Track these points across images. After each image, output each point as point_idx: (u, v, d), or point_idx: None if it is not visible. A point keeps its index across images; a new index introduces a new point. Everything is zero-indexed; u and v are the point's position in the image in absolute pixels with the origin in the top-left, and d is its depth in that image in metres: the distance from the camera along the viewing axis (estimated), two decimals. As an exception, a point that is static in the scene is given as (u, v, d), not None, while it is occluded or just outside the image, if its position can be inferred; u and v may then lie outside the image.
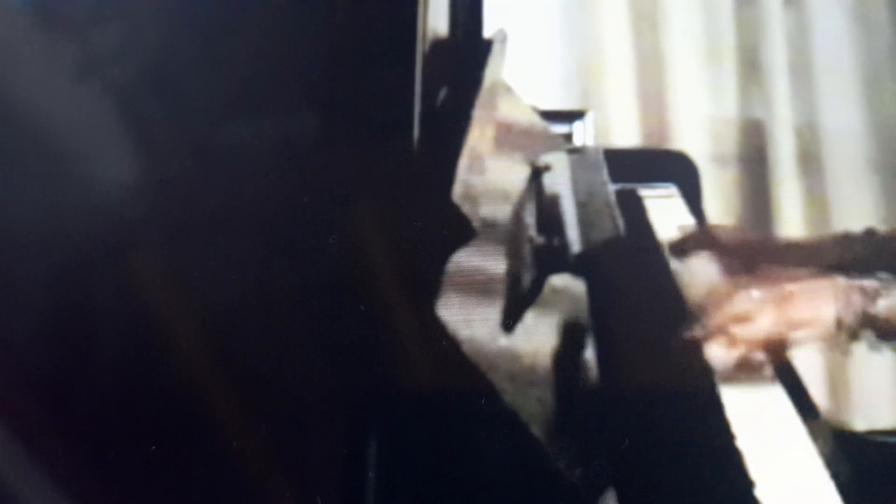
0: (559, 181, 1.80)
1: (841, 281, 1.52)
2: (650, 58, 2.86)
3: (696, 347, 1.53)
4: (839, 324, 1.50)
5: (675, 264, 1.84)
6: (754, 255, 1.78)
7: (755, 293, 1.53)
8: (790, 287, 1.54)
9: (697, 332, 1.52)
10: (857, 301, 1.50)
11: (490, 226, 1.35)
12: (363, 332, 1.15)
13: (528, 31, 2.73)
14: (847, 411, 2.76)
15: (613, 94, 2.84)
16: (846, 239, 1.77)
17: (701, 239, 1.81)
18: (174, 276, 1.17)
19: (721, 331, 1.50)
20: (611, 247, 1.71)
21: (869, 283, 1.51)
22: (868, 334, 1.50)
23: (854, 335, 1.50)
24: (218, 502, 1.17)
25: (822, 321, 1.51)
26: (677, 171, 2.34)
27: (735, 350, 1.49)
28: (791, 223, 2.82)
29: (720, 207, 2.81)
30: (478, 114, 1.46)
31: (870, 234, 1.77)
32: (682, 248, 1.79)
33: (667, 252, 1.87)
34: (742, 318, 1.52)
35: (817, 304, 1.51)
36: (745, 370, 1.52)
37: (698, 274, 1.79)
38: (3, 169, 1.16)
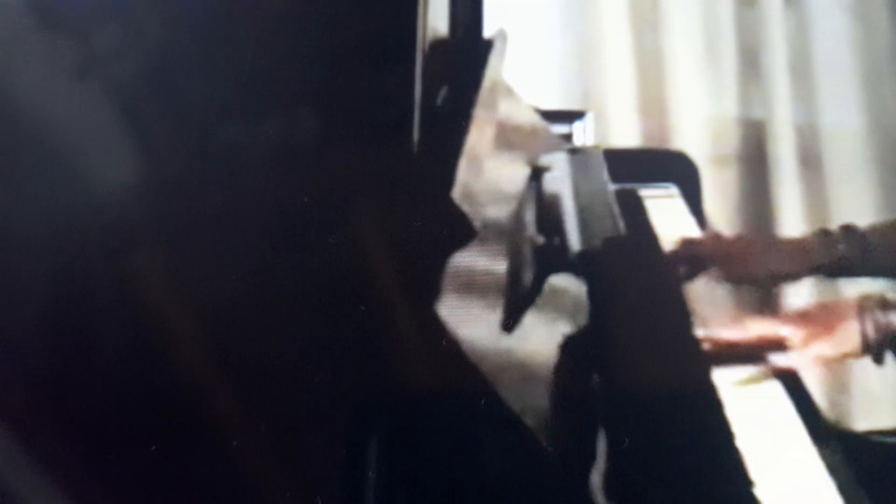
0: (559, 181, 1.80)
1: (859, 300, 1.53)
2: (650, 58, 2.86)
3: (697, 348, 1.54)
4: (864, 342, 1.52)
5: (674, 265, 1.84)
6: (739, 257, 1.79)
7: (780, 321, 1.56)
8: (814, 311, 1.56)
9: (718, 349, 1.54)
10: (880, 316, 1.52)
11: (490, 226, 1.35)
12: (363, 332, 1.15)
13: (528, 31, 2.73)
14: (847, 411, 2.76)
15: (613, 94, 2.84)
16: (826, 237, 1.78)
17: (689, 247, 1.81)
18: (174, 275, 1.17)
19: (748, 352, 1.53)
20: (611, 247, 1.71)
21: (888, 295, 1.52)
22: (889, 348, 1.51)
23: (880, 353, 1.52)
24: (218, 502, 1.17)
25: (848, 342, 1.52)
26: (677, 171, 2.34)
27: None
28: (791, 223, 2.82)
29: (720, 207, 2.81)
30: (478, 114, 1.46)
31: (848, 230, 1.77)
32: (677, 259, 1.79)
33: (667, 252, 1.87)
34: (771, 344, 1.54)
35: (842, 325, 1.53)
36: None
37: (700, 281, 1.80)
38: (3, 169, 1.16)
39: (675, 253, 1.83)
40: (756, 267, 1.79)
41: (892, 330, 1.52)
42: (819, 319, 1.56)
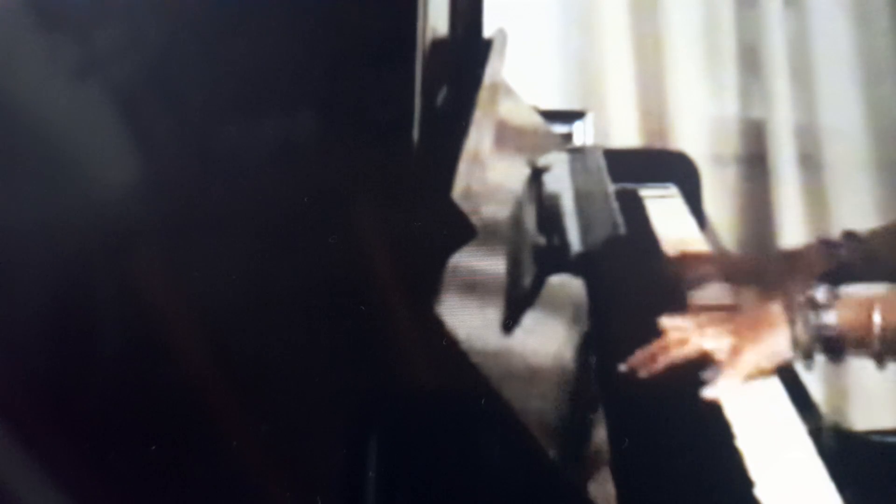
0: (559, 181, 1.80)
1: (791, 298, 1.49)
2: (650, 58, 2.86)
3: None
4: (794, 346, 1.48)
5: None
6: (740, 274, 1.77)
7: (711, 328, 1.50)
8: (741, 326, 1.50)
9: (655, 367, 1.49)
10: (811, 317, 1.47)
11: (490, 226, 1.35)
12: (363, 332, 1.15)
13: (528, 31, 2.73)
14: (847, 411, 2.76)
15: (613, 94, 2.84)
16: (827, 245, 1.76)
17: (690, 263, 1.79)
18: (174, 275, 1.17)
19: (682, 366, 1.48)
20: (611, 247, 1.71)
21: (818, 295, 1.48)
22: (821, 350, 1.47)
23: (809, 353, 1.47)
24: (218, 502, 1.17)
25: (779, 348, 1.48)
26: (677, 171, 2.34)
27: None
28: (791, 223, 2.82)
29: (720, 207, 2.81)
30: (478, 114, 1.46)
31: (849, 237, 1.76)
32: (673, 271, 1.76)
33: (666, 253, 1.87)
34: (701, 356, 1.49)
35: (771, 330, 1.48)
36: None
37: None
38: (3, 169, 1.16)
39: (677, 271, 1.79)
40: (759, 283, 1.76)
41: (822, 332, 1.47)
42: (745, 326, 1.50)
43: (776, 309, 1.49)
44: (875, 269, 1.73)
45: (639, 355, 1.48)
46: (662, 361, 1.47)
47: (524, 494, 1.15)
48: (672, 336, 1.49)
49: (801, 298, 1.47)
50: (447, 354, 1.12)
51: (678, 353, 1.48)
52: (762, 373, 1.48)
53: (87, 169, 1.18)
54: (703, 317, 1.55)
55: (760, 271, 1.80)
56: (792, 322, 1.47)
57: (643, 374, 1.46)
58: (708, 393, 1.43)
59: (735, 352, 1.47)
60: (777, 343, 1.47)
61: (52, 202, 1.17)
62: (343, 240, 1.16)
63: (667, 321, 1.52)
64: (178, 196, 1.17)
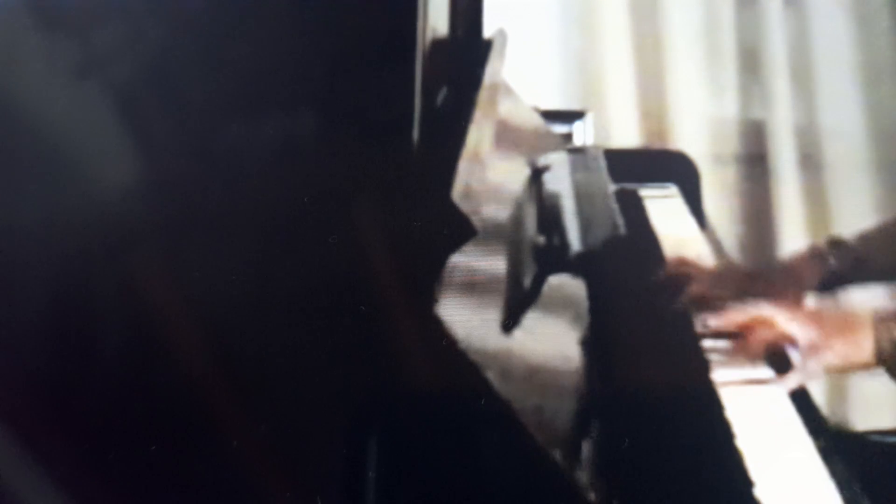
0: (559, 181, 1.80)
1: (877, 311, 1.51)
2: (650, 58, 2.86)
3: (697, 347, 1.53)
4: (879, 356, 1.50)
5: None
6: (733, 286, 1.77)
7: (797, 331, 1.53)
8: (828, 324, 1.53)
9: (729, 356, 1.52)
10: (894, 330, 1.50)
11: (490, 226, 1.35)
12: (363, 332, 1.15)
13: (528, 31, 2.73)
14: (847, 411, 2.76)
15: (613, 94, 2.84)
16: (815, 255, 1.76)
17: (679, 280, 1.78)
18: (174, 275, 1.17)
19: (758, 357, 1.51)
20: (611, 247, 1.70)
21: None
22: None
23: (893, 366, 1.50)
24: (218, 502, 1.17)
25: (861, 357, 1.50)
26: (677, 171, 2.34)
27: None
28: (791, 223, 2.82)
29: (720, 207, 2.81)
30: (478, 114, 1.46)
31: (836, 245, 1.76)
32: (665, 290, 1.76)
33: (665, 254, 1.87)
34: (779, 340, 1.52)
35: (857, 333, 1.51)
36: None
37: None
38: (3, 169, 1.16)
39: (665, 281, 1.79)
40: (748, 296, 1.76)
41: None
42: (834, 323, 1.53)
43: (864, 315, 1.51)
44: (865, 272, 1.74)
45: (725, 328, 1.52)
46: (748, 339, 1.50)
47: (524, 494, 1.15)
48: (760, 318, 1.53)
49: (890, 311, 1.50)
50: (447, 354, 1.12)
51: (763, 334, 1.51)
52: (839, 371, 1.51)
53: (88, 169, 1.18)
54: (793, 307, 1.57)
55: (749, 283, 1.80)
56: (878, 331, 1.49)
57: (731, 349, 1.50)
58: (785, 381, 1.46)
59: (818, 345, 1.50)
60: (860, 347, 1.49)
61: (52, 202, 1.17)
62: (343, 240, 1.16)
63: (757, 306, 1.56)
64: (179, 196, 1.17)
